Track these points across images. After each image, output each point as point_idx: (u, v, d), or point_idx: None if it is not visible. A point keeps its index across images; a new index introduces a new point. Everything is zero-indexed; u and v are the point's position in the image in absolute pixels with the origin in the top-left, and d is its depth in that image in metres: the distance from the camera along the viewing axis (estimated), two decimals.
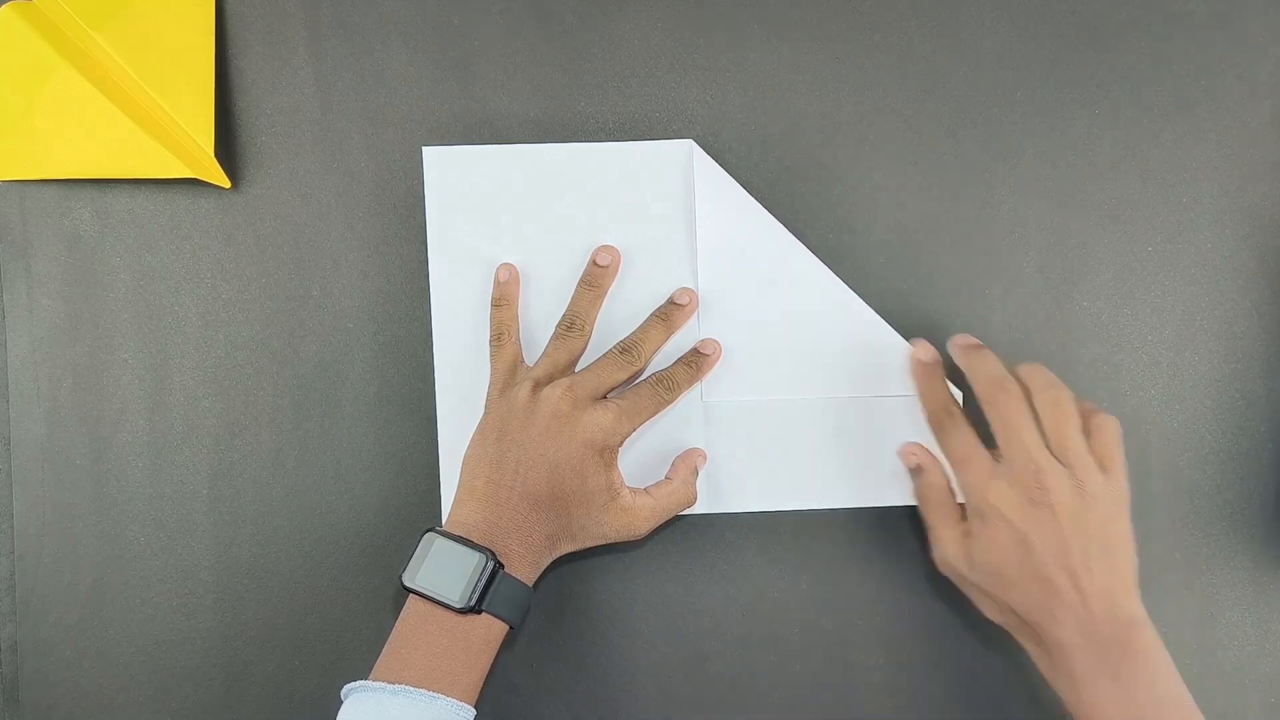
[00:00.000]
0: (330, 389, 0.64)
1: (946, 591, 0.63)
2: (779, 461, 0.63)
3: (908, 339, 0.63)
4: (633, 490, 0.60)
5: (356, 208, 0.64)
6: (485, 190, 0.64)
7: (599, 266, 0.62)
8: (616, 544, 0.60)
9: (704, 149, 0.64)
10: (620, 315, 0.63)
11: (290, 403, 0.64)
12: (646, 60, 0.65)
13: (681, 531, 0.64)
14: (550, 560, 0.59)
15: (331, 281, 0.64)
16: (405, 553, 0.56)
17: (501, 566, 0.56)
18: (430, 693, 0.53)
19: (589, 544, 0.60)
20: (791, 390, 0.63)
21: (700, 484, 0.63)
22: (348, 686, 0.54)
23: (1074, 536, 0.54)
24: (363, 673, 0.55)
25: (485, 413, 0.60)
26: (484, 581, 0.55)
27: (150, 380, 0.64)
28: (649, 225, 0.64)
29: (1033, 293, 0.65)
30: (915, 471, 0.62)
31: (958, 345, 0.61)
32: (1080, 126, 0.65)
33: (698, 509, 0.63)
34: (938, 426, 0.60)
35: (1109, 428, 0.57)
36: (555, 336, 0.62)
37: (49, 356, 0.64)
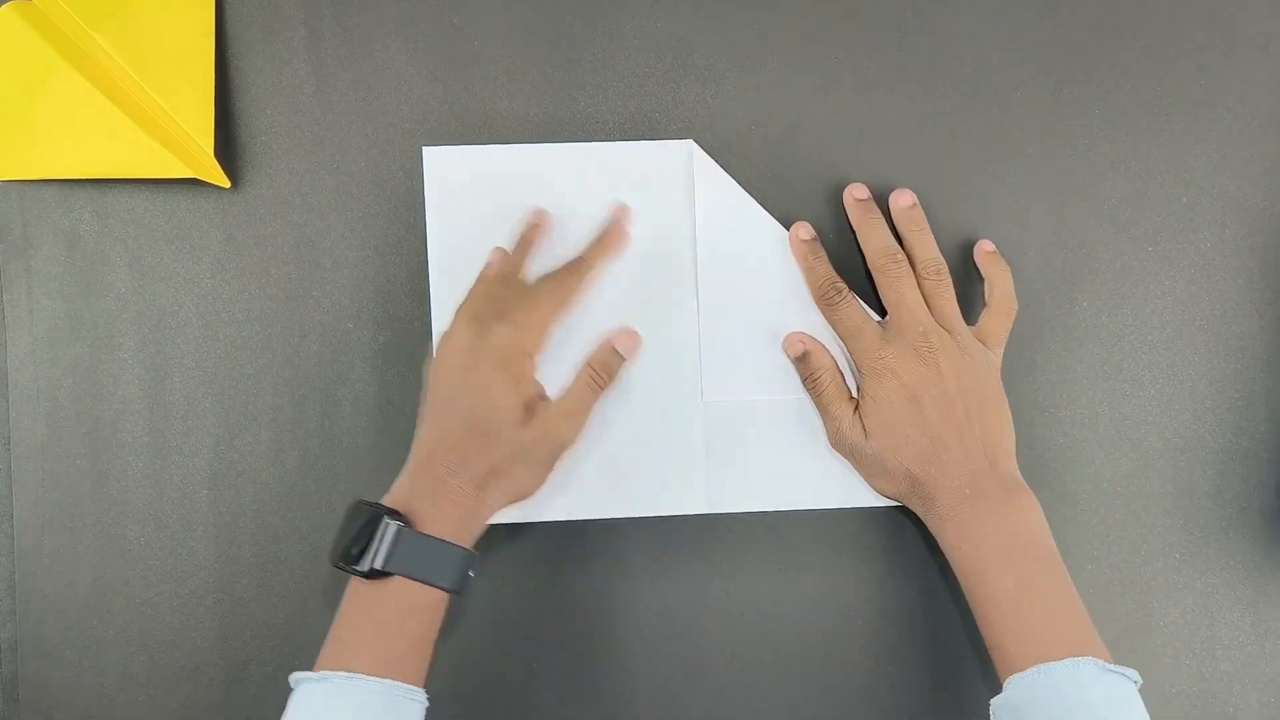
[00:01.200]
0: (330, 389, 0.64)
1: (946, 591, 0.63)
2: (779, 461, 0.63)
3: None
4: (545, 400, 0.60)
5: (356, 208, 0.64)
6: (485, 190, 0.63)
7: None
8: (557, 475, 0.60)
9: (704, 149, 0.64)
10: (619, 315, 0.63)
11: (290, 403, 0.64)
12: (646, 60, 0.65)
13: (681, 531, 0.64)
14: (489, 511, 0.58)
15: (331, 281, 0.64)
16: None
17: (407, 524, 0.55)
18: (352, 674, 0.52)
19: (524, 476, 0.59)
20: (791, 390, 0.63)
21: (700, 483, 0.63)
22: (296, 676, 0.54)
23: (957, 393, 0.58)
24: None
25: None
26: (384, 543, 0.54)
27: (150, 380, 0.64)
28: (649, 225, 0.64)
29: (1033, 293, 0.65)
30: (802, 359, 0.62)
31: (853, 197, 0.63)
32: (1080, 126, 0.65)
33: (697, 509, 0.63)
34: (827, 303, 0.62)
35: (1002, 314, 0.62)
36: (479, 279, 0.61)
37: (49, 356, 0.64)
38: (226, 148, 0.64)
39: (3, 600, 0.64)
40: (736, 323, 0.63)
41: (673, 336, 0.63)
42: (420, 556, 0.54)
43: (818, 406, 0.62)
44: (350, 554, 0.54)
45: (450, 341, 0.59)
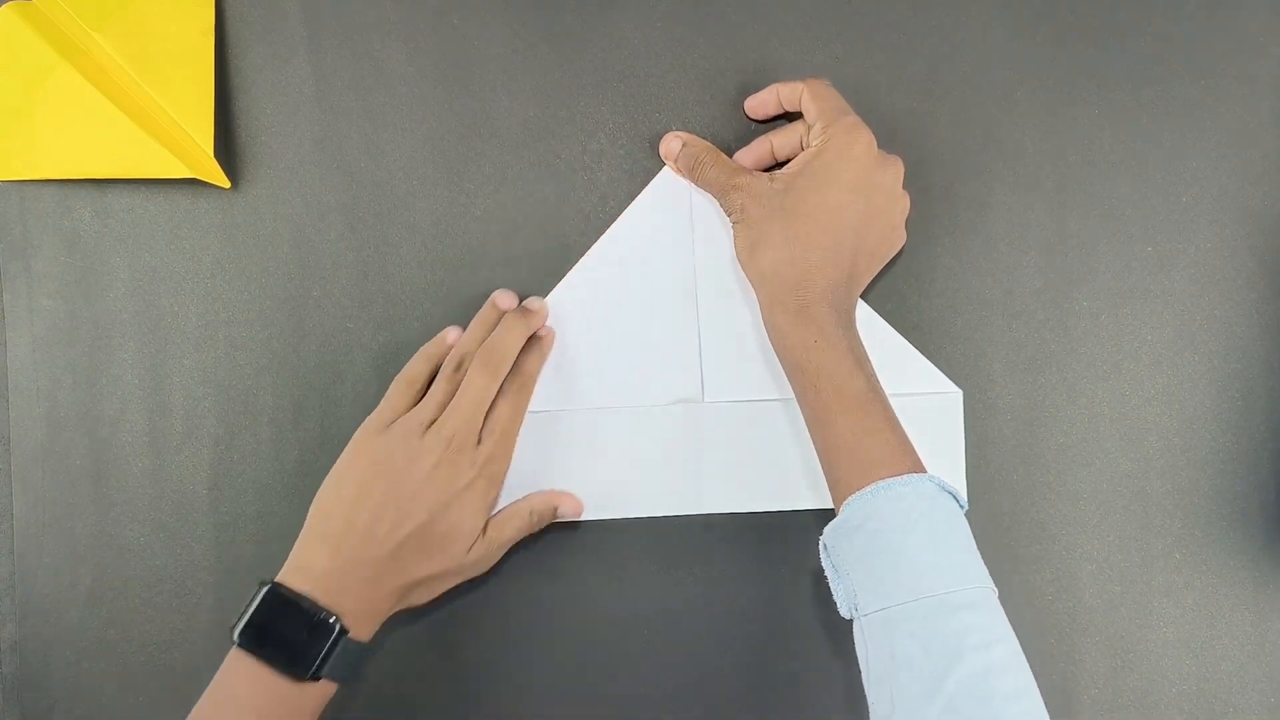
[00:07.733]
0: (330, 389, 0.64)
1: None
2: (778, 462, 0.63)
3: (909, 338, 0.63)
4: (493, 520, 0.59)
5: (356, 208, 0.64)
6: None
7: (495, 308, 0.61)
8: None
9: None
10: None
11: (290, 403, 0.64)
12: (646, 60, 0.65)
13: (681, 531, 0.64)
14: (393, 613, 0.57)
15: (331, 281, 0.64)
16: None
17: (346, 632, 0.53)
18: None
19: (442, 589, 0.58)
20: (791, 390, 0.63)
21: (699, 484, 0.63)
22: None
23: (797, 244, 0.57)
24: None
25: (352, 452, 0.58)
26: (327, 649, 0.52)
27: (150, 380, 0.64)
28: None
29: (1033, 293, 0.65)
30: (682, 154, 0.61)
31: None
32: (1080, 126, 0.65)
33: (696, 509, 0.63)
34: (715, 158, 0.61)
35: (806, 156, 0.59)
36: (442, 376, 0.59)
37: (49, 356, 0.64)
38: (226, 148, 0.64)
39: (3, 600, 0.64)
40: (736, 323, 0.63)
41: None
42: (347, 662, 0.53)
43: (712, 185, 0.60)
44: (281, 651, 0.52)
45: (413, 435, 0.56)
